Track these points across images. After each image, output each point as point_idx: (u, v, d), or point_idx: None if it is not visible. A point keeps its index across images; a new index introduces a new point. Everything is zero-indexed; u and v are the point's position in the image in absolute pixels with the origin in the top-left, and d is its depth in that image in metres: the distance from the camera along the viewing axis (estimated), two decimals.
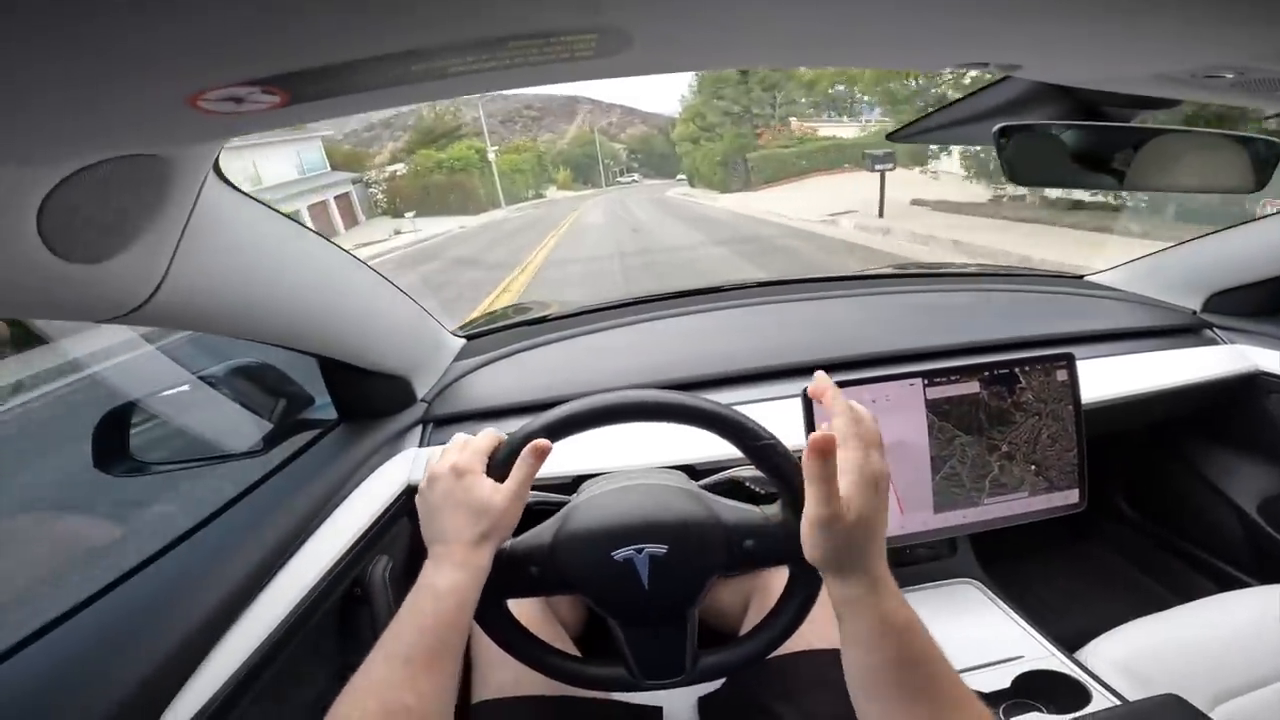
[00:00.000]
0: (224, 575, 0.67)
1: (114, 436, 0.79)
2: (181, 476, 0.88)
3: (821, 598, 0.72)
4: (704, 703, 0.88)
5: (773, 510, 0.66)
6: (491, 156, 44.79)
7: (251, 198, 0.60)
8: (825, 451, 0.50)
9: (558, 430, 0.63)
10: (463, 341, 1.20)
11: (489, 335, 1.23)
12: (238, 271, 0.59)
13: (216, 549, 0.71)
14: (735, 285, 1.37)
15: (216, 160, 0.50)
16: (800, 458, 0.53)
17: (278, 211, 0.65)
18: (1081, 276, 1.44)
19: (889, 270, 1.57)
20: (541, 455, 0.63)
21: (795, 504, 0.63)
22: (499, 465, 0.63)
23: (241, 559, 0.70)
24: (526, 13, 0.24)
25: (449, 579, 0.57)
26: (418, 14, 0.23)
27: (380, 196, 39.89)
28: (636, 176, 77.41)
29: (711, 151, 30.43)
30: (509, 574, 0.63)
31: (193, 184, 0.47)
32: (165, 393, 1.01)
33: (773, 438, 0.63)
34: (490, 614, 0.65)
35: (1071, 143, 0.56)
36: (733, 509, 0.66)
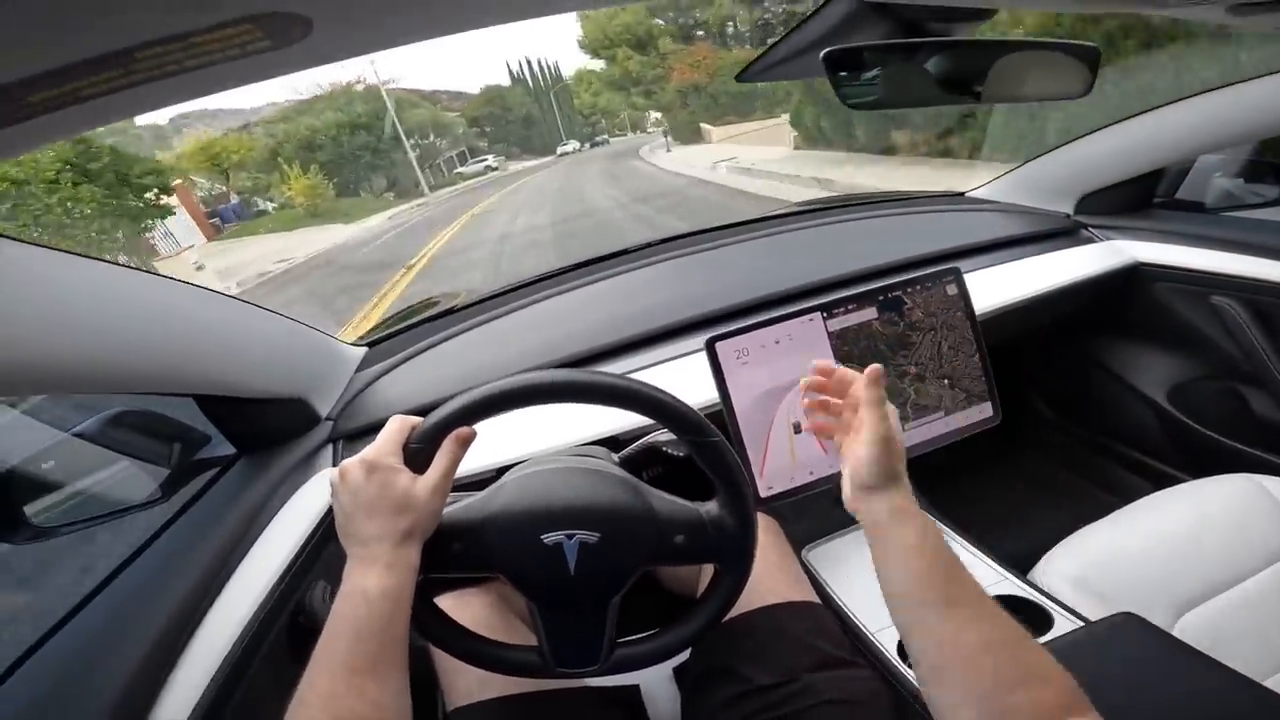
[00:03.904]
0: (143, 630, 0.66)
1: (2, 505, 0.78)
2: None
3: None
4: (678, 673, 0.90)
5: (708, 506, 0.66)
6: None
7: (40, 245, 0.56)
8: (878, 380, 0.62)
9: (481, 410, 0.61)
10: (364, 351, 1.16)
11: (392, 339, 1.19)
12: (38, 324, 0.55)
13: (124, 608, 0.70)
14: (640, 245, 1.38)
15: None
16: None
17: (84, 255, 0.63)
18: (963, 193, 1.50)
19: (783, 210, 1.59)
20: (465, 442, 0.62)
21: (732, 501, 0.65)
22: (415, 454, 0.61)
23: (156, 613, 0.68)
24: (146, 15, 0.22)
25: (379, 582, 0.55)
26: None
27: None
28: (490, 159, 41.59)
29: None
30: (427, 549, 0.62)
31: None
32: (38, 455, 0.96)
33: (717, 434, 0.63)
34: None
35: (898, 65, 0.57)
36: (667, 502, 0.66)
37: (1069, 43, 0.60)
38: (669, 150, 22.32)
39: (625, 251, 1.37)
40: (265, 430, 0.94)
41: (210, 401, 0.87)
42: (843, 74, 0.57)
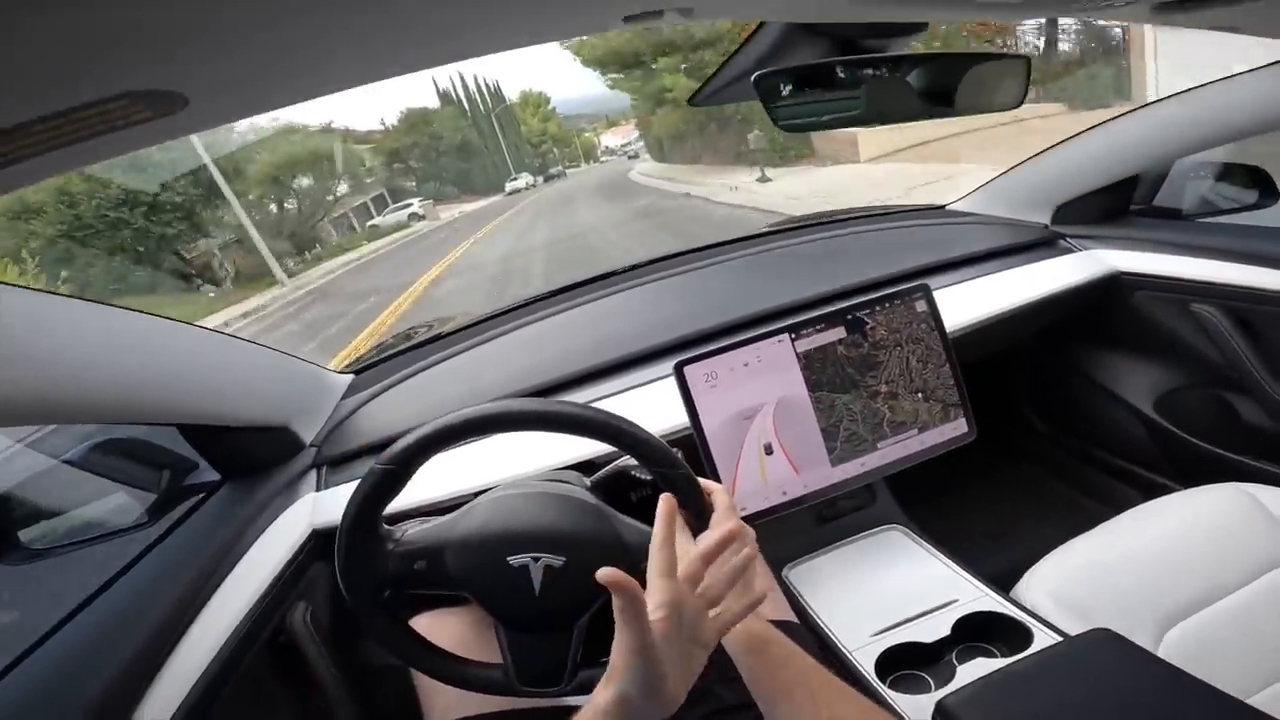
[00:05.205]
0: (125, 643, 0.69)
1: None
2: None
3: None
4: None
5: None
6: None
7: (27, 289, 0.60)
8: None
9: (438, 441, 0.63)
10: (350, 378, 1.18)
11: (378, 366, 1.21)
12: (29, 360, 0.58)
13: (106, 624, 0.72)
14: (624, 269, 1.40)
15: None
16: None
17: (69, 296, 0.65)
18: (943, 206, 1.50)
19: (768, 228, 1.60)
20: None
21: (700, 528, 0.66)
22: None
23: (138, 629, 0.71)
24: (23, 97, 0.23)
25: None
26: None
27: None
28: (415, 205, 27.89)
29: None
30: (392, 567, 0.63)
31: None
32: (30, 481, 0.99)
33: (684, 466, 0.64)
34: (366, 608, 0.65)
35: (831, 84, 0.57)
36: (637, 530, 0.67)
37: (1000, 54, 0.60)
38: (764, 179, 11.92)
39: (612, 274, 1.38)
40: (249, 457, 0.97)
41: (193, 430, 0.89)
42: (778, 95, 0.58)
